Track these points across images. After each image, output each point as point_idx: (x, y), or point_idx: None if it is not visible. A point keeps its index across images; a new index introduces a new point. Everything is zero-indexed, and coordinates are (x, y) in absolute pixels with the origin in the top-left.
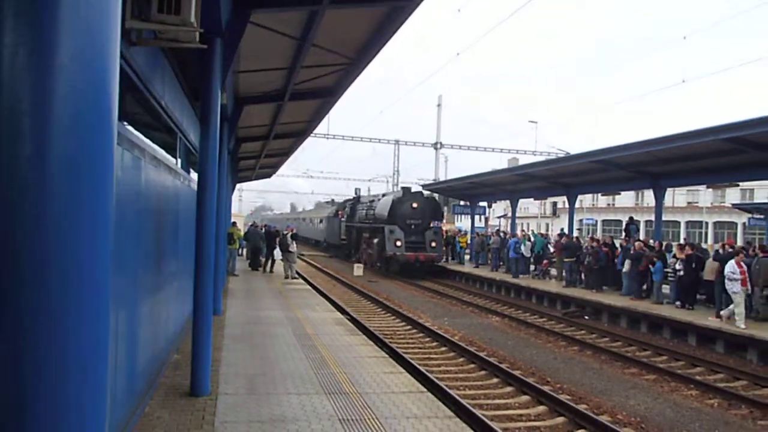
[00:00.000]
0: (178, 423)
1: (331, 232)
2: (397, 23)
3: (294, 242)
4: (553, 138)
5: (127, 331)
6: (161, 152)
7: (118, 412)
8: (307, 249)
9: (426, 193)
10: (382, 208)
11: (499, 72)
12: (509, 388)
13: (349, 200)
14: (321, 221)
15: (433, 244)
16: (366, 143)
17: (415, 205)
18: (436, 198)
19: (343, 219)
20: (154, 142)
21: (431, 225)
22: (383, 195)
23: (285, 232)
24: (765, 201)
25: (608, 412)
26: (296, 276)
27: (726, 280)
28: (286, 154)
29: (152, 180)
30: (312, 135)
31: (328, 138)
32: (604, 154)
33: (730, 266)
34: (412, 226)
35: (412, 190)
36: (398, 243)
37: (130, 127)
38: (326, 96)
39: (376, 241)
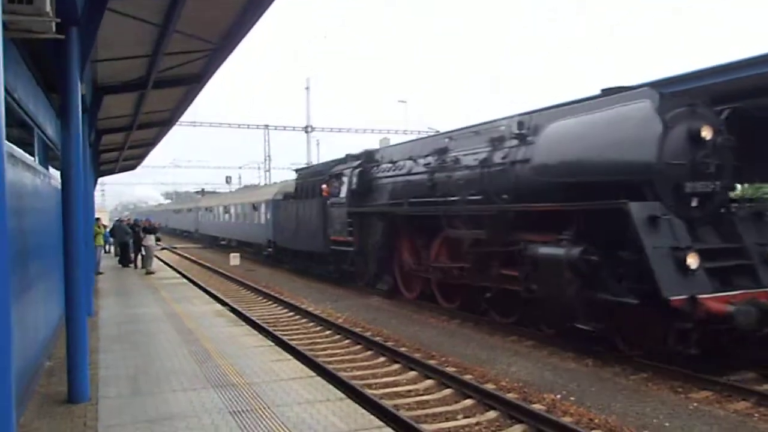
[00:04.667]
0: None
1: (290, 227)
2: (263, 6)
3: (151, 236)
4: (423, 116)
5: None
6: (18, 150)
7: None
8: (223, 255)
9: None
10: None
11: (370, 52)
12: (396, 366)
13: (345, 162)
14: (250, 211)
15: None
16: (235, 130)
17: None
18: None
19: (336, 200)
20: (7, 138)
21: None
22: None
23: (144, 226)
24: None
25: (492, 380)
26: (152, 271)
27: None
28: (151, 144)
29: (9, 180)
30: (178, 123)
31: (195, 126)
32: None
33: None
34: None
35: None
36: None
37: None
38: (192, 83)
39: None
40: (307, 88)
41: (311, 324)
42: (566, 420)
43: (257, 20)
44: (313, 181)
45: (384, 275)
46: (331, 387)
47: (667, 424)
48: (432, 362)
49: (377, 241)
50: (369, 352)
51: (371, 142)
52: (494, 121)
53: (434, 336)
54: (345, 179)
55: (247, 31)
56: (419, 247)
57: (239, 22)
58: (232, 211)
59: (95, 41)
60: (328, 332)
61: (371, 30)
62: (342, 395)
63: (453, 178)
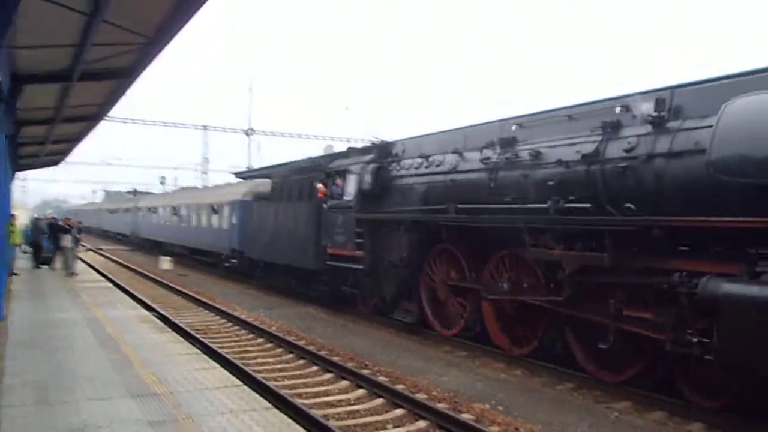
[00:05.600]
0: None
1: (264, 235)
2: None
3: (67, 236)
4: (371, 124)
5: None
6: None
7: None
8: (154, 259)
9: None
10: None
11: (317, 54)
12: (328, 375)
13: (347, 156)
14: (208, 213)
15: None
16: (171, 129)
17: None
18: None
19: (337, 203)
20: None
21: None
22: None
23: (60, 225)
24: None
25: (424, 389)
26: (74, 273)
27: None
28: (76, 139)
29: None
30: (109, 119)
31: (127, 122)
32: None
33: None
34: None
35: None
36: None
37: None
38: (122, 77)
39: None
40: (250, 89)
41: (243, 332)
42: (493, 429)
43: (194, 12)
44: (300, 179)
45: (404, 302)
46: (258, 396)
47: None
48: (365, 372)
49: (400, 258)
50: (301, 361)
51: (315, 149)
52: (597, 101)
53: (369, 345)
54: (352, 177)
55: (184, 24)
56: (467, 269)
57: (174, 15)
58: (184, 212)
59: (10, 25)
60: (260, 340)
61: (318, 31)
62: (269, 405)
63: (534, 179)
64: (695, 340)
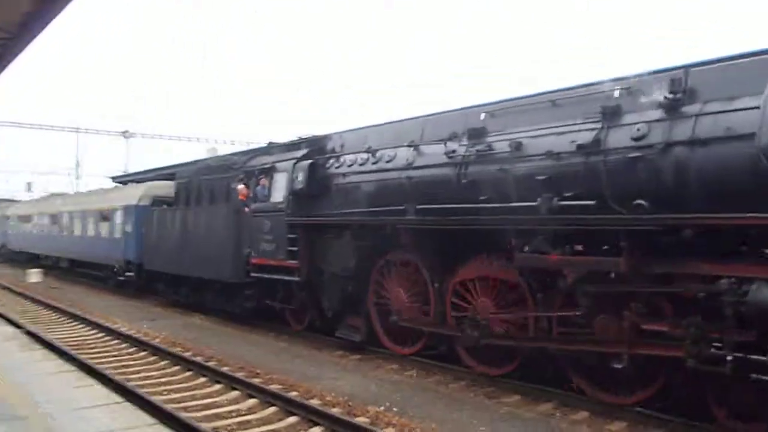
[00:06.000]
0: None
1: (168, 245)
2: None
3: None
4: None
5: None
6: None
7: None
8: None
9: None
10: None
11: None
12: (218, 386)
13: (269, 153)
14: (96, 221)
15: None
16: (38, 131)
17: None
18: None
19: (262, 206)
20: None
21: None
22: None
23: None
24: None
25: (318, 395)
26: None
27: None
28: None
29: None
30: None
31: None
32: None
33: None
34: None
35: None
36: None
37: None
38: None
39: None
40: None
41: (123, 345)
42: (389, 431)
43: (63, 6)
44: (212, 180)
45: (349, 317)
46: (141, 413)
47: (482, 428)
48: (256, 381)
49: (344, 268)
50: (188, 373)
51: (201, 152)
52: (591, 84)
53: (260, 354)
54: (281, 176)
55: (51, 19)
56: (430, 279)
57: (40, 10)
58: (65, 220)
59: None
60: (142, 353)
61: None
62: (153, 421)
63: (516, 174)
64: (729, 357)
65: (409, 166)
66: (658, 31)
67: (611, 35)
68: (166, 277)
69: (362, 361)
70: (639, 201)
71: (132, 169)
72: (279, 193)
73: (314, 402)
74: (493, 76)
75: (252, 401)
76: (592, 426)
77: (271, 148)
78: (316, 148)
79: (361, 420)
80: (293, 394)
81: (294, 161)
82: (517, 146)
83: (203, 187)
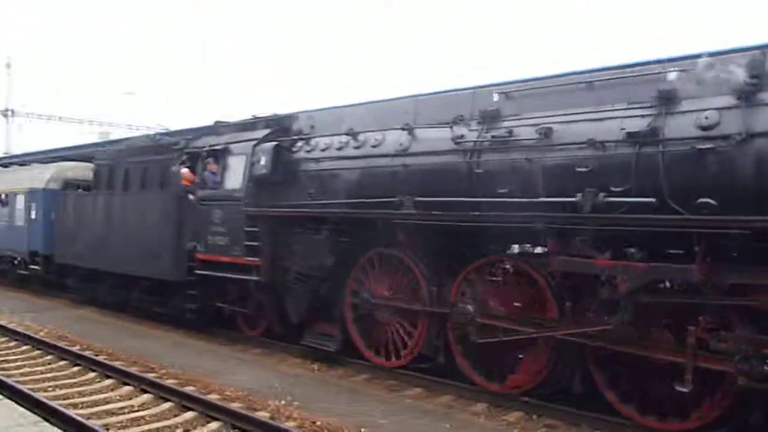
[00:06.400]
0: None
1: (86, 235)
2: None
3: None
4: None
5: None
6: None
7: None
8: None
9: None
10: None
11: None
12: (109, 381)
13: (218, 134)
14: None
15: None
16: None
17: None
18: None
19: (212, 193)
20: None
21: None
22: None
23: None
24: None
25: (217, 390)
26: None
27: None
28: None
29: None
30: None
31: None
32: None
33: None
34: None
35: None
36: None
37: None
38: None
39: None
40: (8, 65)
41: (2, 339)
42: (289, 425)
43: None
44: (144, 162)
45: (318, 324)
46: (24, 411)
47: (383, 421)
48: (150, 375)
49: (316, 266)
50: (76, 368)
51: (91, 136)
52: (638, 63)
53: (156, 347)
54: (236, 160)
55: None
56: (426, 282)
57: None
58: None
59: None
60: (24, 348)
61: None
62: (38, 418)
63: (548, 164)
64: None
65: (403, 152)
66: (657, 31)
67: (611, 36)
68: (83, 271)
69: (264, 355)
70: (705, 199)
71: (14, 151)
72: (234, 179)
73: (213, 397)
74: (494, 77)
75: (145, 396)
76: (490, 416)
77: (218, 128)
78: (278, 129)
79: (261, 414)
80: (190, 388)
81: (254, 143)
82: (546, 132)
83: (133, 170)
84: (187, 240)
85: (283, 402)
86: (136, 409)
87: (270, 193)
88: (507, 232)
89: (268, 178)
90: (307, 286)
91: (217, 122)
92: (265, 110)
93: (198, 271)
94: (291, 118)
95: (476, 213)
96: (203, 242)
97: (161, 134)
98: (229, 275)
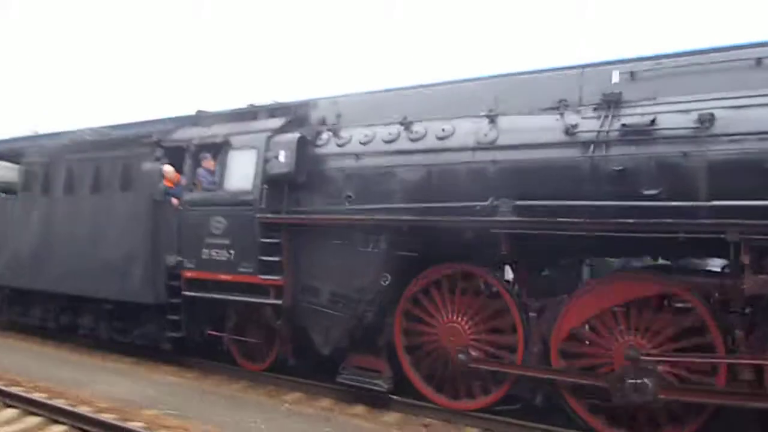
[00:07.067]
0: None
1: (23, 248)
2: None
3: None
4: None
5: None
6: None
7: None
8: None
9: None
10: None
11: None
12: None
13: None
14: None
15: None
16: None
17: None
18: None
19: (209, 197)
20: None
21: None
22: None
23: None
24: None
25: (87, 402)
26: None
27: None
28: None
29: None
30: None
31: None
32: None
33: None
34: None
35: None
36: None
37: None
38: None
39: None
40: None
41: None
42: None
43: None
44: (98, 159)
45: (355, 356)
46: None
47: (263, 426)
48: (16, 389)
49: (360, 288)
50: None
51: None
52: None
53: (21, 360)
54: (243, 156)
55: None
56: (524, 308)
57: None
58: None
59: None
60: None
61: None
62: None
63: (711, 159)
64: None
65: (489, 146)
66: (658, 30)
67: (612, 35)
68: (10, 292)
69: (136, 365)
70: None
71: None
72: (241, 178)
73: (84, 409)
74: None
75: (11, 411)
76: (369, 418)
77: (203, 118)
78: (293, 119)
79: (135, 425)
80: (60, 401)
81: (267, 134)
82: (708, 120)
83: (81, 169)
84: (166, 254)
85: (158, 411)
86: (2, 424)
87: (292, 195)
88: (660, 244)
89: (291, 177)
90: (346, 310)
91: (199, 111)
92: (248, 99)
93: (186, 293)
94: (307, 105)
95: (629, 221)
96: (193, 257)
97: (122, 126)
98: (234, 297)
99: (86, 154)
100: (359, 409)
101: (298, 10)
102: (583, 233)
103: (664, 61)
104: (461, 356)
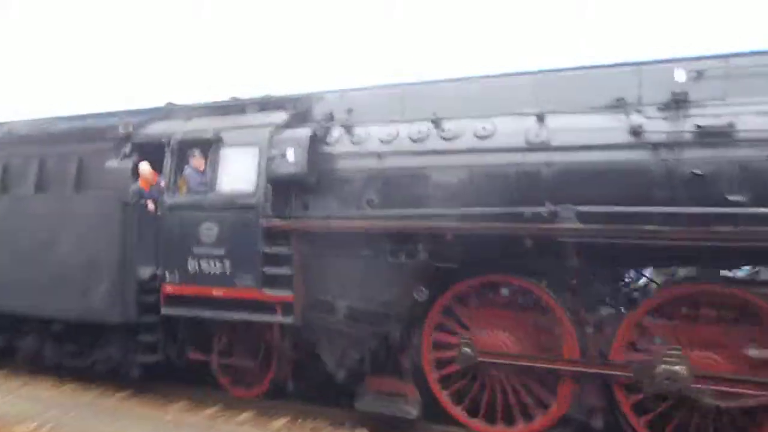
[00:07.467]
0: None
1: None
2: None
3: None
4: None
5: None
6: None
7: None
8: None
9: None
10: None
11: None
12: None
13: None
14: None
15: None
16: None
17: None
18: None
19: (199, 199)
20: None
21: None
22: None
23: None
24: None
25: None
26: None
27: None
28: None
29: None
30: None
31: None
32: None
33: None
34: None
35: None
36: None
37: None
38: None
39: None
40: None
41: None
42: None
43: None
44: (36, 155)
45: (374, 380)
46: None
47: None
48: None
49: (383, 302)
50: None
51: None
52: None
53: None
54: (240, 153)
55: None
56: (579, 325)
57: None
58: None
59: None
60: None
61: None
62: None
63: None
64: None
65: (542, 147)
66: (657, 31)
67: (612, 36)
68: None
69: (8, 378)
70: None
71: None
72: (239, 178)
73: None
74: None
75: None
76: (256, 424)
77: (179, 111)
78: (295, 114)
79: None
80: None
81: (270, 130)
82: None
83: (17, 166)
84: (139, 265)
85: (34, 425)
86: None
87: (301, 198)
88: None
89: (301, 179)
90: (367, 327)
91: (169, 104)
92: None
93: (166, 311)
94: (310, 98)
95: (729, 229)
96: (177, 269)
97: (80, 117)
98: (231, 316)
99: (29, 149)
100: (245, 416)
101: (296, 10)
102: (671, 242)
103: (733, 60)
104: (466, 350)
